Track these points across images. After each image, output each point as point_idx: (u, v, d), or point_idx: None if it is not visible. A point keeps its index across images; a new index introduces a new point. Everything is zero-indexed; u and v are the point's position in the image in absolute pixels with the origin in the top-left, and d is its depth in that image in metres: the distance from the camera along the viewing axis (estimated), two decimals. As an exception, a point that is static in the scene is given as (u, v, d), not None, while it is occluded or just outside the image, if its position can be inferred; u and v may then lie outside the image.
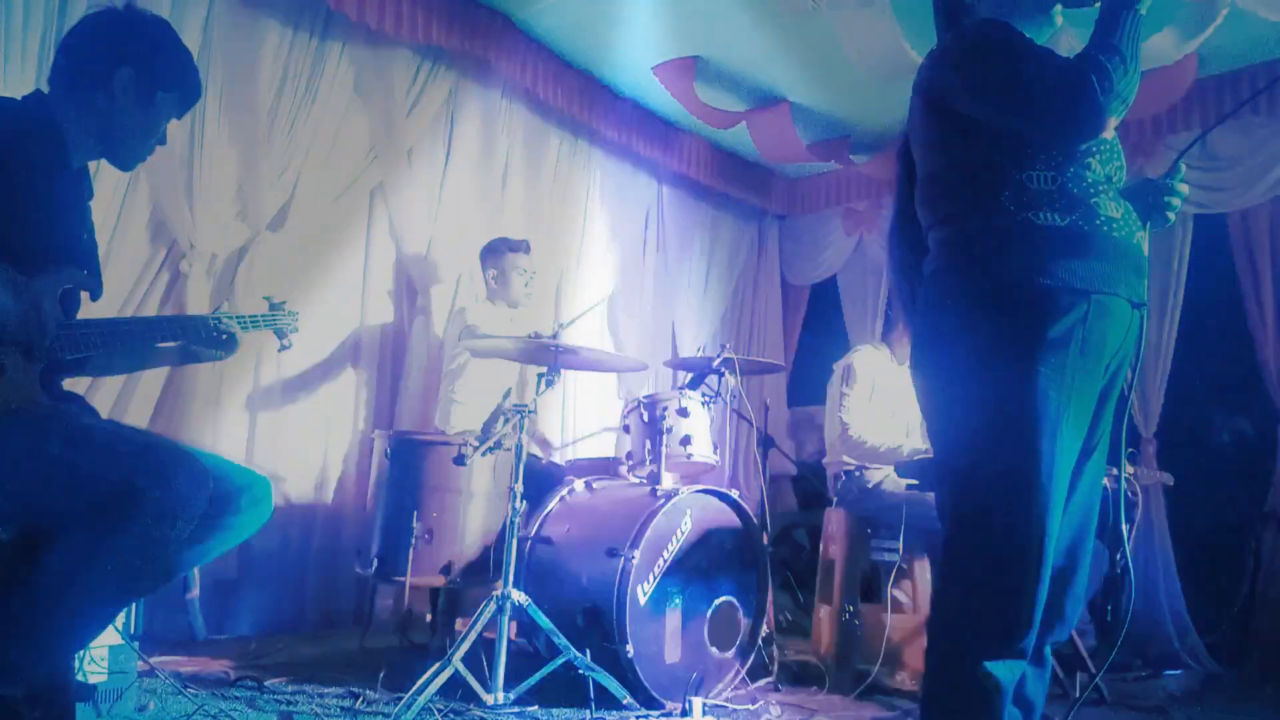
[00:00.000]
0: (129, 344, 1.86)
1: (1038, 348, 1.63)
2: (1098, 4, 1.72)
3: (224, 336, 1.93)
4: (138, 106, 1.82)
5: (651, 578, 2.71)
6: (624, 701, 2.54)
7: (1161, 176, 1.80)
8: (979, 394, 1.68)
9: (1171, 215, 1.80)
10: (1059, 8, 1.82)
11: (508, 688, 2.48)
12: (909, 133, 1.92)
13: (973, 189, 1.74)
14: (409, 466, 3.01)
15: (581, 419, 4.91)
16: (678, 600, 2.77)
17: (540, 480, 3.24)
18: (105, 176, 3.03)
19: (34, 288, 1.68)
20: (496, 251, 3.89)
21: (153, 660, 2.49)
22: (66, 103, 1.80)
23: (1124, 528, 1.84)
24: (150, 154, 1.93)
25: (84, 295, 1.84)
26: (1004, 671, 1.63)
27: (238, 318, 1.97)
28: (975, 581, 1.66)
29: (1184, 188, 1.79)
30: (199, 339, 1.93)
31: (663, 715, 2.57)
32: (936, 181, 1.81)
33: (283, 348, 2.10)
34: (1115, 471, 1.84)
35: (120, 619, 2.15)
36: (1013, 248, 1.67)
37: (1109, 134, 1.73)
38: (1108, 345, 1.68)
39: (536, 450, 4.00)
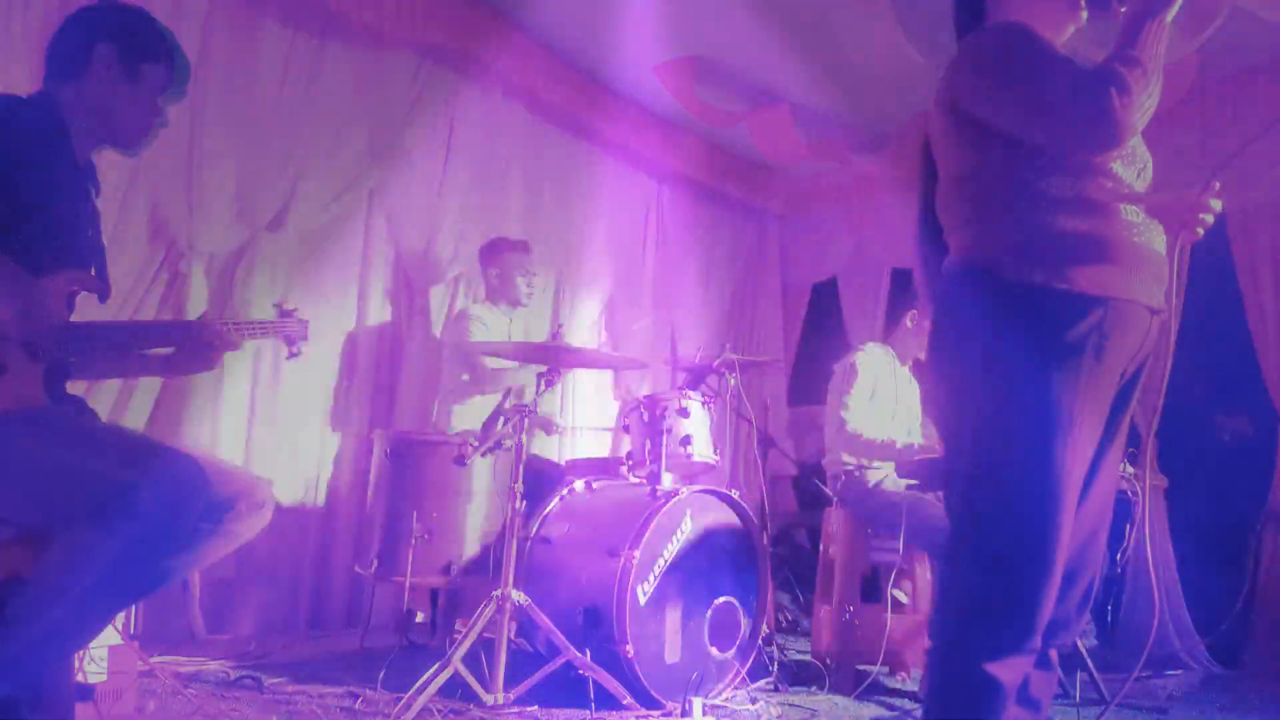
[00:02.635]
0: (128, 347, 1.86)
1: (1052, 353, 1.62)
2: (1123, 8, 1.68)
3: (216, 344, 1.91)
4: (125, 80, 1.84)
5: (651, 578, 2.71)
6: (624, 701, 2.54)
7: (1194, 191, 1.78)
8: (992, 397, 1.67)
9: (1200, 230, 1.77)
10: (1083, 10, 1.78)
11: (508, 688, 2.48)
12: (930, 133, 1.90)
13: (990, 194, 1.73)
14: (409, 466, 3.01)
15: (579, 419, 4.91)
16: (678, 600, 2.77)
17: (540, 480, 3.25)
18: (105, 177, 3.01)
19: (40, 287, 1.68)
20: (497, 251, 3.89)
21: (153, 660, 2.49)
22: (63, 96, 1.81)
23: (1144, 531, 1.83)
24: (153, 135, 1.93)
25: (88, 296, 1.84)
26: (1006, 674, 1.62)
27: (247, 324, 1.97)
28: (981, 583, 1.65)
29: (1216, 203, 1.76)
30: (201, 345, 1.91)
31: (663, 715, 2.57)
32: (954, 185, 1.80)
33: (292, 355, 2.09)
34: (1129, 471, 1.85)
35: (120, 619, 2.15)
36: (1029, 253, 1.65)
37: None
38: (1123, 351, 1.68)
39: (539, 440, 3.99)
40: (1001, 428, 1.66)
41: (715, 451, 3.21)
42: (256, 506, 1.85)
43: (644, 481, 3.07)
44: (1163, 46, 1.61)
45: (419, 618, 3.62)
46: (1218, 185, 1.77)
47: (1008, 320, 1.66)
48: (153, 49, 1.88)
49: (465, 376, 3.71)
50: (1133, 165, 1.73)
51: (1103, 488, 1.77)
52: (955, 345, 1.76)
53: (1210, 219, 1.77)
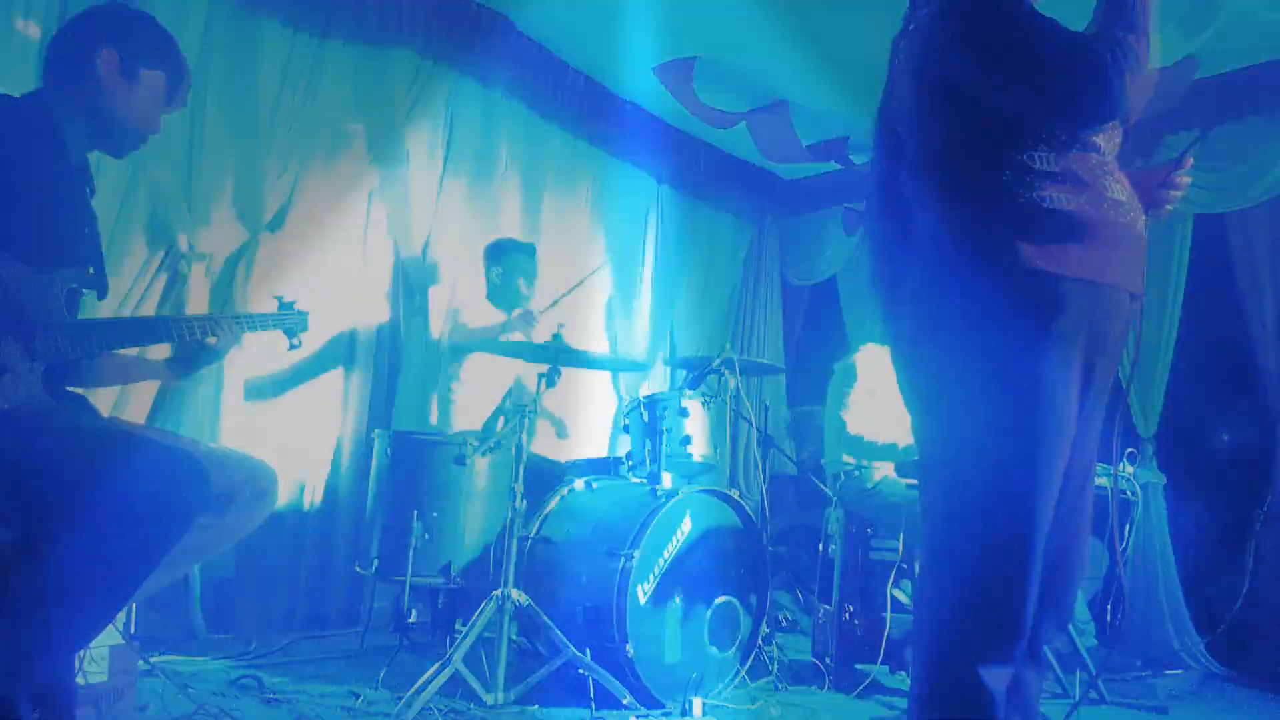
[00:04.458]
0: (128, 344, 1.86)
1: (1043, 342, 1.53)
2: None
3: (211, 340, 1.91)
4: (123, 87, 1.84)
5: (651, 577, 2.71)
6: (624, 701, 2.54)
7: (1164, 166, 1.71)
8: (977, 389, 1.57)
9: (1168, 207, 1.71)
10: None
11: (508, 687, 2.48)
12: (893, 98, 1.79)
13: (972, 167, 1.61)
14: (409, 466, 3.01)
15: (578, 420, 4.90)
16: (678, 600, 2.77)
17: (540, 480, 3.25)
18: (104, 177, 3.03)
19: (38, 286, 1.68)
20: (503, 250, 3.89)
21: (153, 659, 2.49)
22: (59, 96, 1.81)
23: (1116, 529, 1.77)
24: (143, 141, 1.93)
25: (88, 295, 1.85)
26: (997, 679, 1.56)
27: (247, 317, 1.97)
28: (967, 586, 1.58)
29: (1185, 179, 1.70)
30: (200, 340, 1.92)
31: (663, 715, 2.57)
32: (930, 157, 1.68)
33: (292, 346, 2.10)
34: (1115, 470, 1.80)
35: (120, 619, 2.15)
36: (1019, 232, 1.54)
37: None
38: (1109, 340, 1.60)
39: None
40: (986, 424, 1.56)
41: (715, 451, 3.21)
42: (259, 495, 1.86)
43: (644, 481, 3.08)
44: (1151, 12, 1.53)
45: (412, 617, 3.62)
46: (1190, 161, 1.71)
47: (994, 306, 1.56)
48: (155, 54, 1.88)
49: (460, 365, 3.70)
50: (1112, 141, 1.65)
51: (1081, 482, 1.68)
52: (933, 333, 1.64)
53: (1179, 195, 1.71)
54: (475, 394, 3.74)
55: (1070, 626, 2.98)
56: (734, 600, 2.91)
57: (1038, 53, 1.53)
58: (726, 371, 3.42)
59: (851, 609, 3.24)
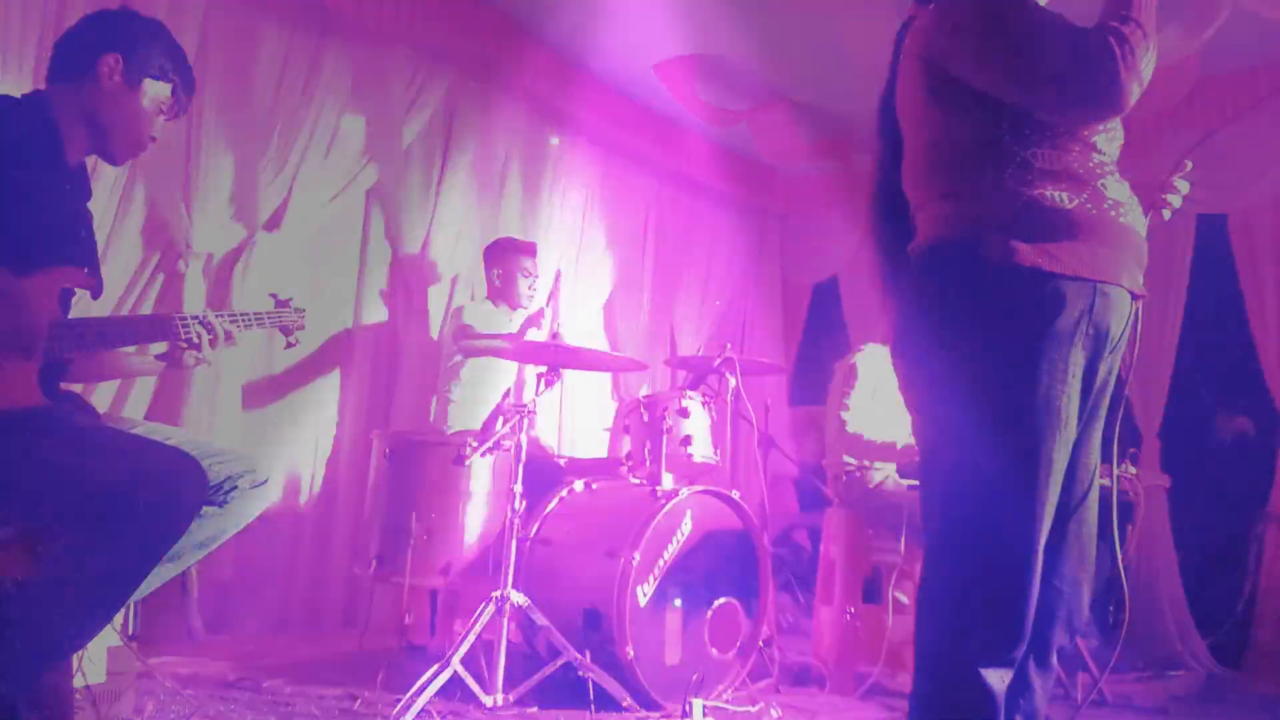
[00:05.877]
0: (125, 343, 1.86)
1: (1041, 340, 1.53)
2: None
3: (207, 338, 1.90)
4: (124, 94, 1.83)
5: (651, 579, 2.70)
6: (624, 703, 2.53)
7: (1165, 168, 1.71)
8: (975, 388, 1.57)
9: (1166, 213, 1.71)
10: None
11: (507, 689, 2.47)
12: (893, 96, 1.79)
13: (972, 163, 1.61)
14: (408, 467, 3.00)
15: (578, 420, 4.90)
16: (678, 601, 2.76)
17: (540, 480, 3.23)
18: (102, 177, 3.02)
19: (32, 285, 1.67)
20: (503, 251, 3.88)
21: (151, 661, 2.49)
22: (60, 98, 1.81)
23: (1114, 530, 1.76)
24: (142, 150, 1.92)
25: (83, 294, 1.84)
26: (997, 680, 1.55)
27: (242, 315, 1.96)
28: (969, 586, 1.57)
29: (1184, 184, 1.69)
30: (195, 338, 1.91)
31: (662, 717, 2.56)
32: (930, 154, 1.69)
33: (288, 345, 2.09)
34: (1117, 471, 1.79)
35: (119, 619, 2.14)
36: (1017, 229, 1.54)
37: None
38: (1109, 338, 1.59)
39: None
40: (985, 422, 1.56)
41: (715, 451, 3.20)
42: (258, 484, 1.86)
43: (644, 482, 3.07)
44: (1154, 11, 1.53)
45: (407, 618, 3.62)
46: (1189, 165, 1.69)
47: (991, 304, 1.56)
48: (160, 66, 1.87)
49: (458, 358, 3.69)
50: (1114, 143, 1.65)
51: (1089, 483, 1.68)
52: (932, 331, 1.64)
53: (1178, 200, 1.71)
54: (475, 394, 3.73)
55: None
56: (734, 601, 2.90)
57: (1040, 45, 1.54)
58: (726, 372, 3.41)
59: (853, 610, 3.23)
